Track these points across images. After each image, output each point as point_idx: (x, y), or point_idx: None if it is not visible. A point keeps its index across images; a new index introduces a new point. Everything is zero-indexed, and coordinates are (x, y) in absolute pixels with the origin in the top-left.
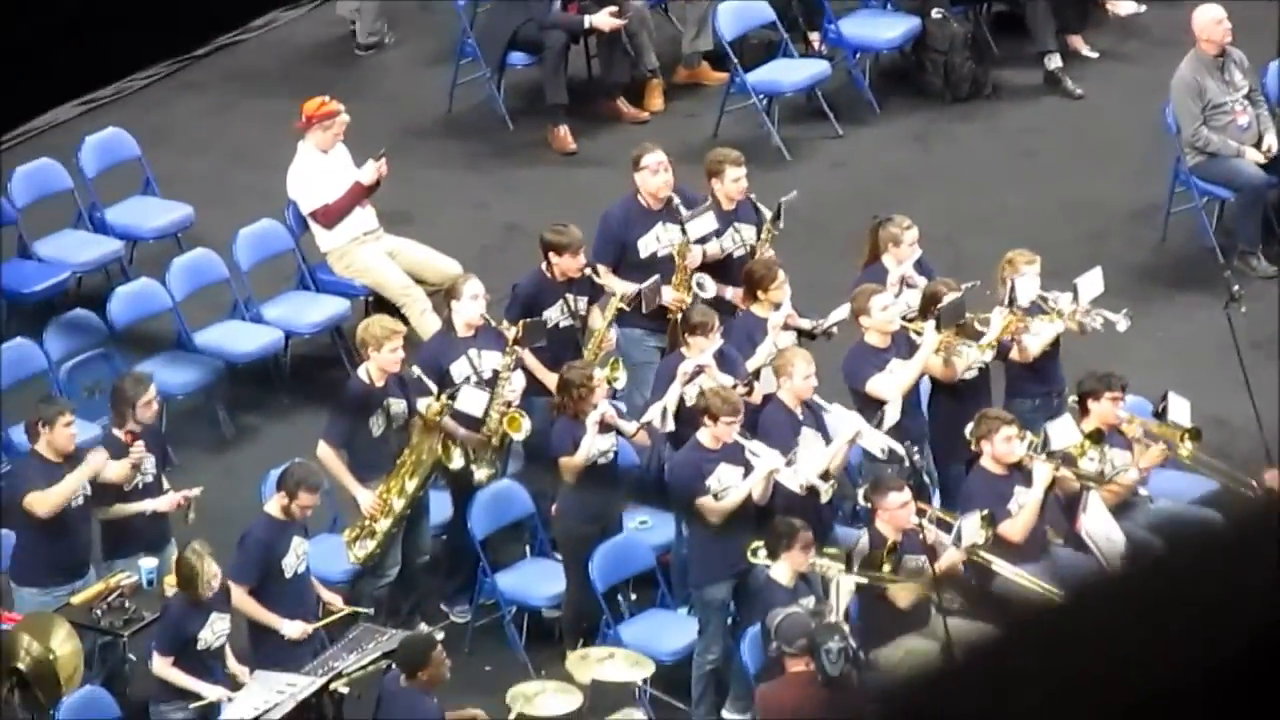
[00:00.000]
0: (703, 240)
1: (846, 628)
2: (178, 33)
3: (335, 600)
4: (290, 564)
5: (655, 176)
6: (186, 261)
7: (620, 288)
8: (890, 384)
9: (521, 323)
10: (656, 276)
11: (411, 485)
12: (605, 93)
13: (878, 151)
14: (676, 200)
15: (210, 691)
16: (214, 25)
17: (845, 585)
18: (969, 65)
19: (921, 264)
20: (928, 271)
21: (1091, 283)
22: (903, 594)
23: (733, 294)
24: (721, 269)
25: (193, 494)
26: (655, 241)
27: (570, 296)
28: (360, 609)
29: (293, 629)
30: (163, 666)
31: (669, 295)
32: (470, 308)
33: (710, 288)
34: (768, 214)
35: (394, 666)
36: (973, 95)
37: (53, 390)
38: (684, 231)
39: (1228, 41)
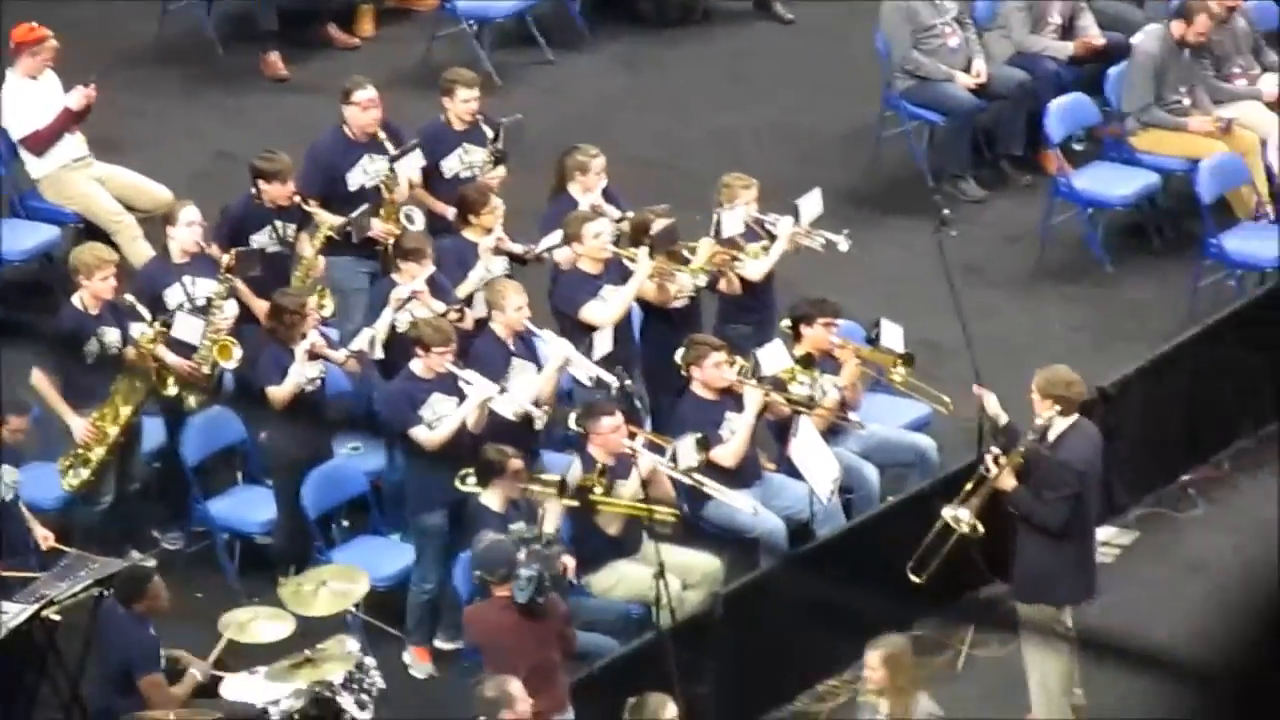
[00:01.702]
0: (411, 177)
1: (552, 552)
2: None
3: (47, 535)
4: None
5: (365, 113)
6: None
7: (329, 218)
8: (604, 311)
9: (235, 251)
10: (365, 205)
11: (125, 412)
12: (316, 18)
13: (589, 77)
14: (383, 135)
15: None
16: None
17: (553, 509)
18: None
19: (608, 193)
20: (615, 200)
21: (811, 203)
22: (613, 519)
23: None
24: (449, 191)
25: None
26: (363, 174)
27: (279, 223)
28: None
29: None
30: None
31: (377, 227)
32: (186, 234)
33: (419, 220)
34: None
35: (111, 594)
36: (683, 20)
37: None
38: (392, 171)
39: None
